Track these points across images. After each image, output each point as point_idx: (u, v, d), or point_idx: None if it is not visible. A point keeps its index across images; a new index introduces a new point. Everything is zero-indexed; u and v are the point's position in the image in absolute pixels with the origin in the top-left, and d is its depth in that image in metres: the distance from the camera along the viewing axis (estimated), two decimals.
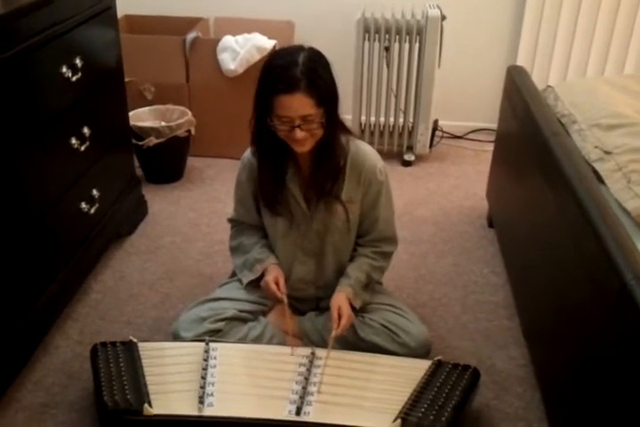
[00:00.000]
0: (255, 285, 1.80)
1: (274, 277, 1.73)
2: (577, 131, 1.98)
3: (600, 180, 1.73)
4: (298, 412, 1.45)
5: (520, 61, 3.09)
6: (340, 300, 1.70)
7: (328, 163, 1.66)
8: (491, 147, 2.66)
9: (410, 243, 2.45)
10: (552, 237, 1.68)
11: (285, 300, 1.71)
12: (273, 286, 1.70)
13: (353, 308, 1.72)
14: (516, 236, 2.13)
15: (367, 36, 2.88)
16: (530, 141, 1.98)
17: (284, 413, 1.45)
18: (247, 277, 1.81)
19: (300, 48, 1.57)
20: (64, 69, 1.83)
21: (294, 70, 1.51)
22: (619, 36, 3.04)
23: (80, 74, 1.90)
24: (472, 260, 2.35)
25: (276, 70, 1.54)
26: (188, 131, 2.80)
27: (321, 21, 3.17)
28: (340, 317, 1.66)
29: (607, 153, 1.80)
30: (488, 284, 2.22)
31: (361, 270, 1.77)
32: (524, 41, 3.10)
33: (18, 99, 1.63)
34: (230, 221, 1.90)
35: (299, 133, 1.54)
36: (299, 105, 1.52)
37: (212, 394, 1.48)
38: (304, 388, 1.50)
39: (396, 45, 2.89)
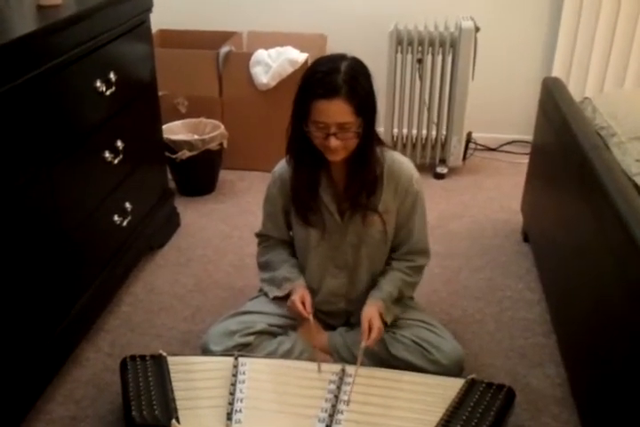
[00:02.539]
0: (282, 300, 1.79)
1: (300, 296, 1.71)
2: (616, 144, 1.93)
3: None
4: None
5: (555, 72, 3.04)
6: (372, 312, 1.67)
7: (363, 175, 1.64)
8: (525, 159, 2.62)
9: (443, 257, 2.41)
10: (590, 252, 1.63)
11: (311, 319, 1.68)
12: (299, 306, 1.68)
13: (384, 323, 1.70)
14: (552, 251, 2.08)
15: (400, 48, 2.86)
16: (567, 154, 1.94)
17: None
18: (273, 292, 1.80)
19: (343, 56, 1.57)
20: (98, 84, 1.85)
21: (336, 77, 1.50)
22: None
23: (114, 88, 1.92)
24: (507, 275, 2.31)
25: (317, 75, 1.53)
26: (221, 144, 2.81)
27: (353, 34, 3.16)
28: (370, 329, 1.63)
29: None
30: (523, 299, 2.17)
31: (394, 285, 1.74)
32: (559, 51, 3.05)
33: (53, 113, 1.65)
34: (258, 236, 1.89)
35: (333, 142, 1.53)
36: (337, 111, 1.51)
37: (240, 410, 1.46)
38: (333, 406, 1.48)
39: (429, 57, 2.87)
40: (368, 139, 1.59)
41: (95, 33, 1.83)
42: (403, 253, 1.78)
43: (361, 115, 1.53)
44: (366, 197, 1.66)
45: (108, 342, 1.93)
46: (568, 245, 1.87)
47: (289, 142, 1.65)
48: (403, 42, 2.84)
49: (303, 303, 1.70)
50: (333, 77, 1.50)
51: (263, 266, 1.87)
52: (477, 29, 2.80)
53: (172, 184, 2.77)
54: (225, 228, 2.60)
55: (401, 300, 1.79)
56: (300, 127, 1.57)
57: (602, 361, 1.50)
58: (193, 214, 2.70)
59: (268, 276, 1.83)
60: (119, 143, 2.00)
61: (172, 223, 2.55)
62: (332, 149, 1.55)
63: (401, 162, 1.70)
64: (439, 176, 3.05)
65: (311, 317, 1.69)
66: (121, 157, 1.99)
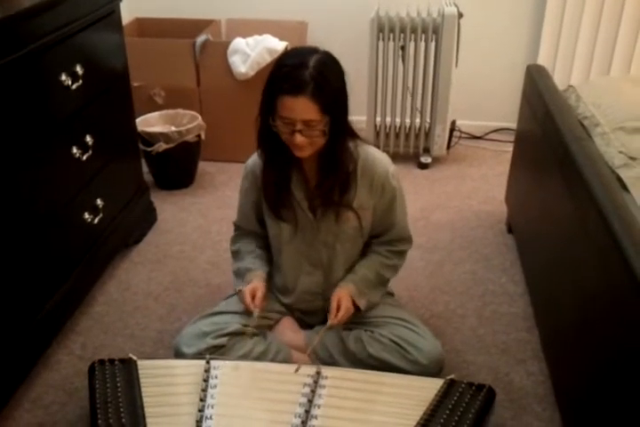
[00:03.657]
0: None
1: (252, 287, 1.66)
2: (600, 134, 1.88)
3: (624, 187, 1.63)
4: None
5: (541, 60, 2.98)
6: (341, 293, 1.66)
7: (335, 173, 1.59)
8: (511, 147, 2.56)
9: (425, 250, 2.36)
10: (572, 246, 1.59)
11: (256, 314, 1.63)
12: (248, 298, 1.64)
13: (357, 308, 1.67)
14: (535, 243, 2.04)
15: (382, 35, 2.79)
16: (550, 145, 1.89)
17: None
18: (237, 285, 1.75)
19: (315, 50, 1.51)
20: (63, 77, 1.78)
21: (303, 72, 1.44)
22: None
23: (81, 81, 1.85)
24: (490, 268, 2.26)
25: (284, 69, 1.47)
26: (198, 135, 2.74)
27: (334, 21, 3.10)
28: (338, 309, 1.62)
29: (632, 159, 1.71)
30: (506, 293, 2.12)
31: (370, 268, 1.71)
32: (544, 38, 2.99)
33: (14, 109, 1.58)
34: (234, 224, 1.86)
35: (299, 138, 1.48)
36: (302, 108, 1.45)
37: (210, 417, 1.41)
38: (307, 411, 1.43)
39: (412, 45, 2.80)
40: (338, 136, 1.53)
41: (59, 24, 1.76)
42: (384, 240, 1.75)
43: (328, 113, 1.47)
44: (339, 195, 1.60)
45: (80, 345, 1.88)
46: (551, 238, 1.82)
47: (258, 136, 1.60)
48: (384, 29, 2.77)
49: (254, 296, 1.65)
50: (300, 73, 1.44)
51: (234, 255, 1.83)
52: (460, 15, 2.73)
53: (149, 178, 2.71)
54: (203, 222, 2.55)
55: (382, 284, 1.75)
56: (267, 121, 1.51)
57: (583, 357, 1.46)
58: (171, 209, 2.64)
59: (236, 267, 1.79)
60: (88, 138, 1.93)
61: (148, 219, 2.48)
62: (298, 146, 1.50)
63: (375, 157, 1.65)
64: (423, 166, 3.00)
65: (257, 311, 1.63)
66: (90, 152, 1.93)
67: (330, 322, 1.61)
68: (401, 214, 1.73)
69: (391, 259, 1.75)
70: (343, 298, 1.64)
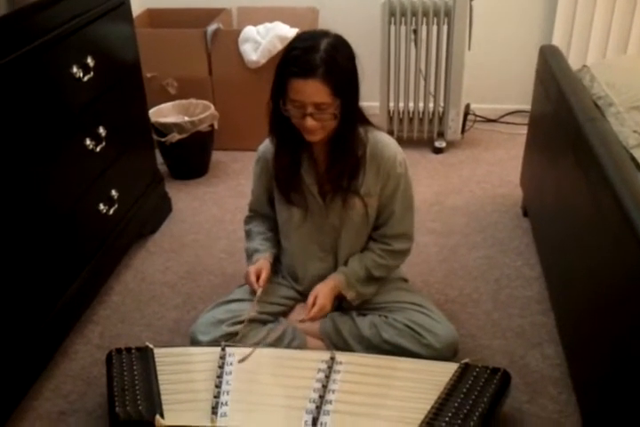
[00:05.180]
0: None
1: (257, 268, 1.70)
2: (614, 114, 1.85)
3: (639, 167, 1.61)
4: (314, 422, 1.38)
5: (555, 41, 2.94)
6: (320, 289, 1.68)
7: (345, 158, 1.59)
8: (526, 130, 2.54)
9: (440, 234, 2.36)
10: (587, 228, 1.58)
11: (259, 293, 1.67)
12: (252, 277, 1.68)
13: (344, 299, 1.72)
14: (550, 226, 2.02)
15: (393, 19, 2.77)
16: (563, 126, 1.87)
17: (301, 424, 1.39)
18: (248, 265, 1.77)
19: (326, 34, 1.50)
20: (75, 70, 1.79)
21: (313, 55, 1.44)
22: None
23: (92, 73, 1.86)
24: (505, 252, 2.25)
25: (294, 52, 1.47)
26: (211, 125, 2.75)
27: (345, 6, 3.08)
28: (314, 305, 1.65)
29: None
30: (522, 277, 2.11)
31: (361, 264, 1.71)
32: (559, 18, 2.95)
33: (26, 102, 1.59)
34: (249, 205, 1.87)
35: (309, 122, 1.48)
36: (312, 91, 1.45)
37: (226, 403, 1.42)
38: (321, 396, 1.44)
39: (424, 28, 2.78)
40: (349, 120, 1.52)
41: (69, 17, 1.77)
42: (380, 234, 1.73)
43: (339, 96, 1.46)
44: (348, 180, 1.60)
45: (98, 334, 1.90)
46: (565, 221, 1.81)
47: (270, 121, 1.60)
48: (396, 13, 2.75)
49: (258, 276, 1.68)
50: (311, 56, 1.44)
51: (246, 235, 1.86)
52: None
53: (163, 168, 2.73)
54: (217, 212, 2.56)
55: (372, 281, 1.74)
56: (278, 105, 1.52)
57: (599, 340, 1.45)
58: (185, 198, 2.65)
59: (246, 247, 1.82)
60: (101, 130, 1.94)
61: (163, 209, 2.50)
62: (309, 130, 1.50)
63: (384, 143, 1.64)
64: (438, 151, 2.98)
65: (260, 291, 1.66)
66: (104, 144, 1.94)
67: (303, 317, 1.65)
68: (403, 206, 1.69)
69: (384, 258, 1.72)
70: (320, 294, 1.66)
